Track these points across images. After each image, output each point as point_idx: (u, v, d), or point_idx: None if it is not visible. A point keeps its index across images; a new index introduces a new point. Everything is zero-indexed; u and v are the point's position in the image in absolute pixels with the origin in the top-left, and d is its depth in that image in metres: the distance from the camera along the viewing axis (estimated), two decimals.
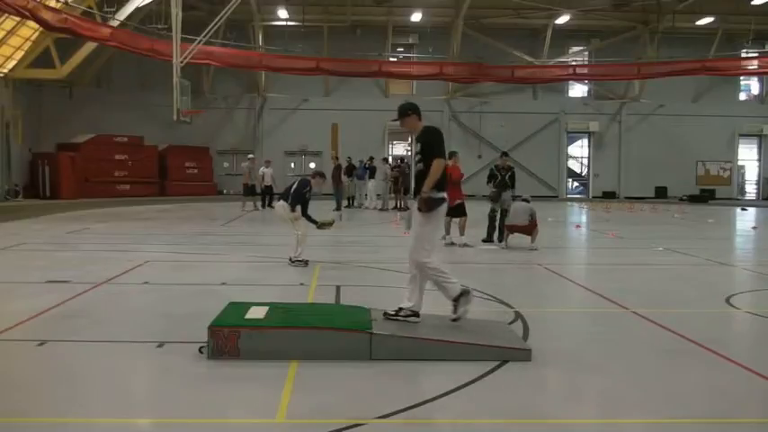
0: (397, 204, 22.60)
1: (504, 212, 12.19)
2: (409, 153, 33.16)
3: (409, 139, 33.08)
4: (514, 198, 12.24)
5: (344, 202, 22.86)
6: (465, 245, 11.70)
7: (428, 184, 5.10)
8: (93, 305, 6.59)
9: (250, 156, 21.75)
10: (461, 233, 11.86)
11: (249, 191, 21.04)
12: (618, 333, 5.83)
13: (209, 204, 24.27)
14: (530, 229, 11.59)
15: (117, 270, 8.58)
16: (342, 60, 27.08)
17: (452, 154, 12.26)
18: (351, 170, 23.60)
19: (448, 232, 12.04)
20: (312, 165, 31.61)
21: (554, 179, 32.75)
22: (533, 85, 31.09)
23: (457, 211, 11.87)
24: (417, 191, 5.20)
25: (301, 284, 7.59)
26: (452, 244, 11.85)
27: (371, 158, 24.15)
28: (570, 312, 6.91)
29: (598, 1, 29.44)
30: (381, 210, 22.03)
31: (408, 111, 5.46)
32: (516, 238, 12.02)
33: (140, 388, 4.33)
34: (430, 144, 5.24)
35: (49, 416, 3.77)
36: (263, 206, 21.04)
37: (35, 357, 4.88)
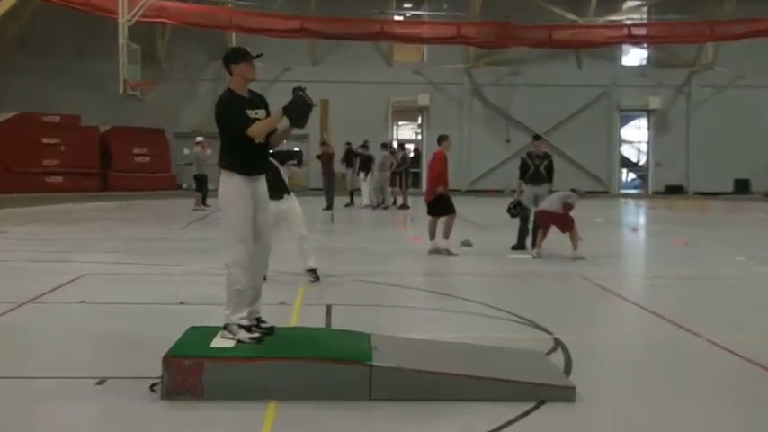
0: (395, 200, 23.03)
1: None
2: (419, 136, 33.21)
3: (419, 120, 33.16)
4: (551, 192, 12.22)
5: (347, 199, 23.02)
6: (447, 251, 11.76)
7: None
8: (14, 331, 6.59)
9: (199, 139, 21.23)
10: (445, 236, 11.90)
11: (201, 183, 20.92)
12: (686, 367, 5.81)
13: (166, 202, 24.30)
14: (563, 221, 11.52)
15: (46, 286, 8.57)
16: (333, 20, 27.14)
17: (443, 137, 12.37)
18: (350, 158, 23.60)
19: (433, 237, 12.04)
20: (296, 150, 31.60)
21: (603, 170, 32.75)
22: (577, 50, 31.09)
23: (436, 208, 11.88)
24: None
25: (282, 303, 7.59)
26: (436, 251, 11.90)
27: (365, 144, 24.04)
28: (624, 339, 6.90)
29: None
30: (383, 207, 22.12)
31: (231, 61, 5.31)
32: (554, 244, 12.00)
33: None
34: None
35: None
36: (204, 202, 20.73)
37: None
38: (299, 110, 5.09)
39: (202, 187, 20.84)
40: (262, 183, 5.37)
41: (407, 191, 23.29)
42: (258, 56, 5.37)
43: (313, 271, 9.10)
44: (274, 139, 5.44)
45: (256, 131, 5.17)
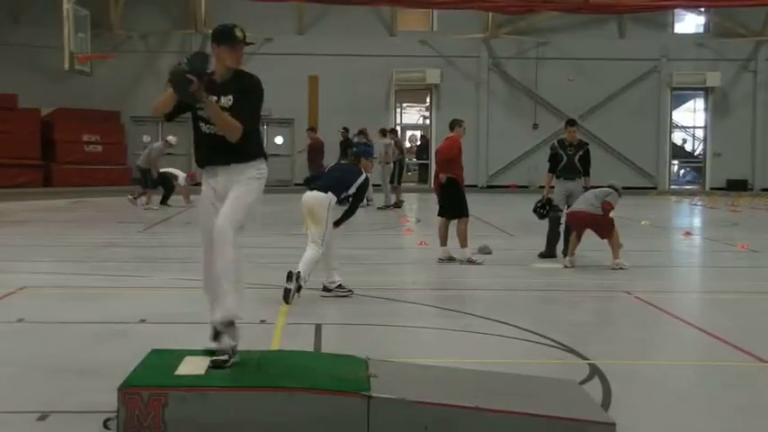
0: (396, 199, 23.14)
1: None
2: (428, 120, 33.24)
3: (427, 101, 33.17)
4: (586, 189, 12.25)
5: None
6: (469, 261, 11.84)
7: None
8: None
9: (170, 138, 21.38)
10: (462, 244, 11.96)
11: (152, 180, 21.12)
12: (749, 400, 5.83)
13: (121, 200, 24.23)
14: (602, 223, 11.50)
15: None
16: None
17: (457, 122, 12.44)
18: (346, 147, 23.67)
19: (444, 243, 12.08)
20: (279, 139, 31.66)
21: (651, 162, 32.74)
22: (619, 15, 31.04)
23: (447, 207, 11.97)
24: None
25: (262, 322, 7.61)
26: (452, 259, 11.99)
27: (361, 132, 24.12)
28: (675, 366, 6.91)
29: None
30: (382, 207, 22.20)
31: (212, 40, 5.44)
32: (590, 251, 12.01)
33: None
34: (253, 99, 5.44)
35: None
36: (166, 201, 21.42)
37: None
38: (174, 79, 5.09)
39: (148, 182, 20.93)
40: (223, 175, 5.38)
41: (400, 186, 23.28)
42: (248, 44, 5.40)
43: (341, 286, 9.17)
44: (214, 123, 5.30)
45: (152, 105, 5.42)
